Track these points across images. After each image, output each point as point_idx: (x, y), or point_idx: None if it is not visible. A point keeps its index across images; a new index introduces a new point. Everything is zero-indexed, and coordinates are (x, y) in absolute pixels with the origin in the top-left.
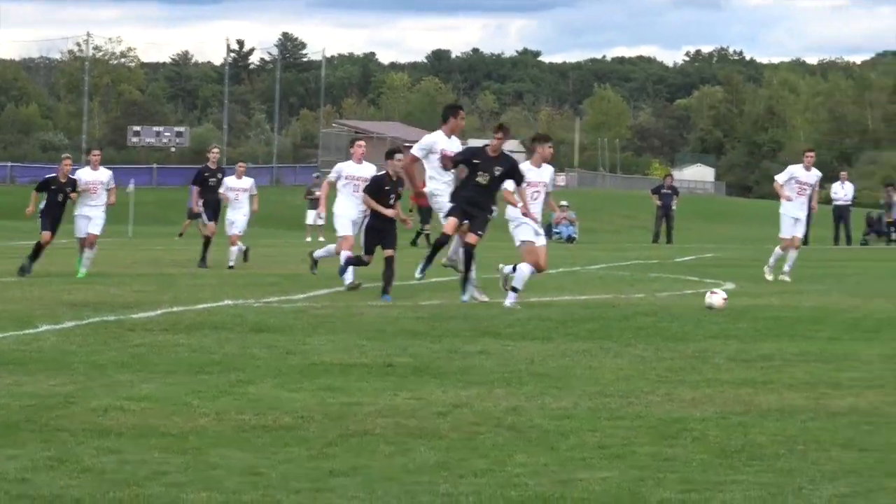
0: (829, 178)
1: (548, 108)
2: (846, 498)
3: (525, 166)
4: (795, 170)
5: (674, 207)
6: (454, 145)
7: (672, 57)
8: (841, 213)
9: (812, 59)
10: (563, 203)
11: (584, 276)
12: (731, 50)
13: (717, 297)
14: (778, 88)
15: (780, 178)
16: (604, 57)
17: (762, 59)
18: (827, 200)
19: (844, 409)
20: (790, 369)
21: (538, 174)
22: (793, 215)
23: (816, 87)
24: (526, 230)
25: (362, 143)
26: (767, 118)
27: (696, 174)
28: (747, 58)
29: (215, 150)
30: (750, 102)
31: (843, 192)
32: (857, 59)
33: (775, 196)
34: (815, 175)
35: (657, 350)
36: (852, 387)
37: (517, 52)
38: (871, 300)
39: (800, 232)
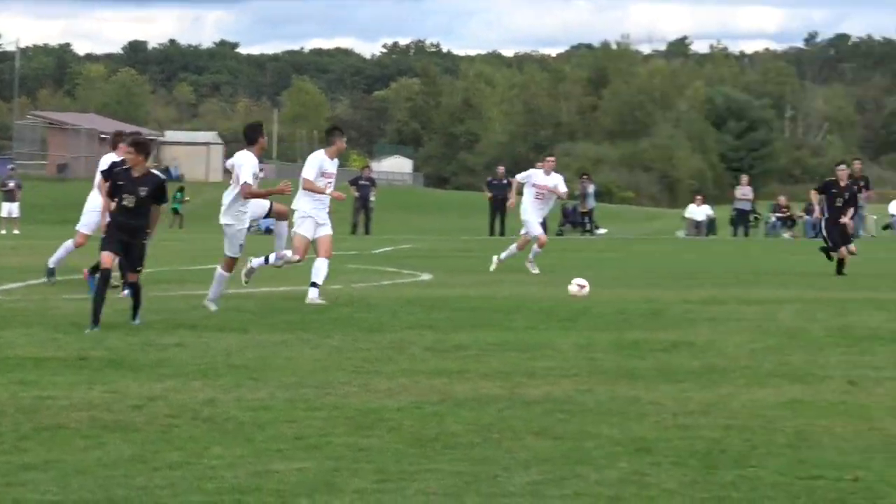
0: (524, 169)
1: (246, 100)
2: (539, 485)
3: (320, 155)
4: (535, 174)
5: (372, 199)
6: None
7: (370, 49)
8: None
9: (508, 52)
10: None
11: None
12: (428, 42)
13: (573, 287)
14: (474, 80)
15: (520, 178)
16: (301, 49)
17: (459, 52)
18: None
19: (539, 397)
20: (486, 359)
21: (333, 165)
22: (538, 217)
23: (512, 79)
24: (308, 225)
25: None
26: (464, 110)
27: (395, 165)
28: (444, 50)
29: None
30: (447, 94)
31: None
32: (553, 51)
33: (474, 188)
34: (554, 178)
35: (354, 341)
36: (547, 375)
37: (214, 43)
38: (564, 290)
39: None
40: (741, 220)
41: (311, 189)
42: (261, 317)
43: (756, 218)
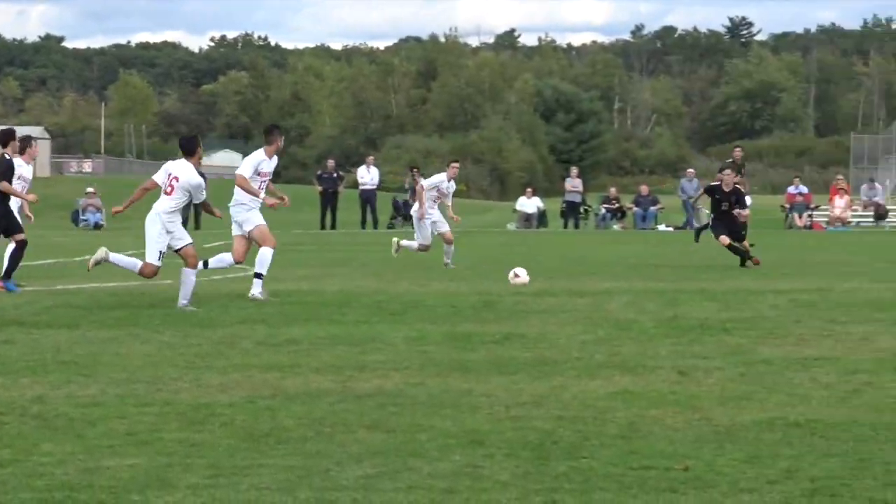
0: (357, 163)
1: (72, 94)
2: (372, 478)
3: (260, 155)
4: (441, 181)
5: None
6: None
7: (197, 42)
8: (367, 198)
9: (337, 45)
10: (90, 189)
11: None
12: (256, 35)
13: (516, 277)
14: (303, 74)
15: (428, 185)
16: (129, 42)
17: (287, 45)
18: (354, 185)
19: (371, 391)
20: (317, 353)
21: (270, 165)
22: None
23: (341, 72)
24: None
25: None
26: (293, 104)
27: (225, 160)
28: (273, 43)
29: None
30: (276, 88)
31: (369, 176)
32: (381, 44)
33: (304, 182)
34: (451, 186)
35: (185, 336)
36: (378, 369)
37: (40, 37)
38: (395, 283)
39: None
40: (572, 212)
41: (245, 188)
42: (90, 312)
43: (586, 210)
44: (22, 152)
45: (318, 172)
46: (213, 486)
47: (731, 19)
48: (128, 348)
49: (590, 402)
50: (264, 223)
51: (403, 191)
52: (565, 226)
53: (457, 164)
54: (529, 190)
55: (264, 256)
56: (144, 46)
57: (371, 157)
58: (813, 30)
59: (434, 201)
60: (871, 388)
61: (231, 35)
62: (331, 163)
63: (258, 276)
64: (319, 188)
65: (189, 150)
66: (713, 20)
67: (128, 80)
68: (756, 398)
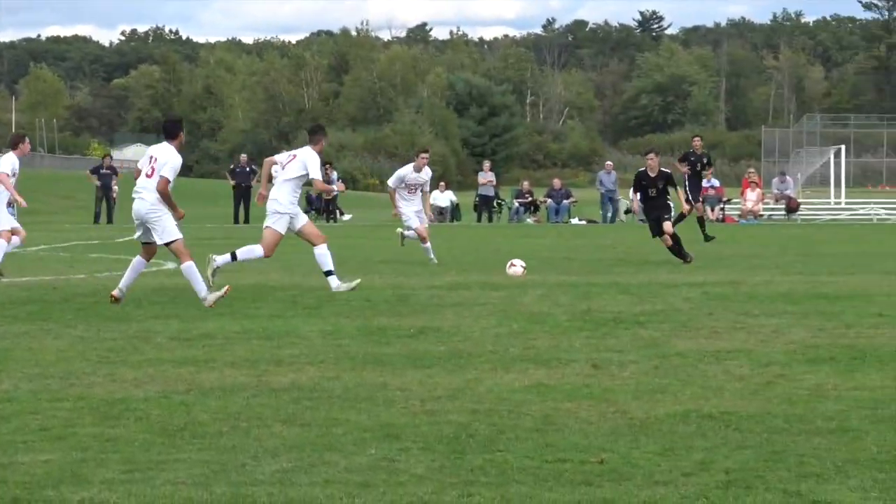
0: (269, 154)
1: None
2: (288, 472)
3: (314, 155)
4: (407, 174)
5: (115, 188)
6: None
7: (108, 36)
8: None
9: (248, 39)
10: None
11: (23, 257)
12: (167, 29)
13: (515, 269)
14: (214, 68)
15: (393, 184)
16: (39, 36)
17: (199, 39)
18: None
19: (286, 385)
20: (232, 347)
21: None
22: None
23: (252, 66)
24: (284, 222)
25: None
26: (205, 98)
27: (137, 154)
28: (184, 37)
29: None
30: (187, 82)
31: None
32: (293, 38)
33: (218, 176)
34: (425, 174)
35: (99, 331)
36: (293, 363)
37: None
38: (309, 277)
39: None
40: (485, 205)
41: (321, 189)
42: (2, 307)
43: (499, 204)
44: (14, 147)
45: (231, 167)
46: (128, 482)
47: (641, 13)
48: (40, 343)
49: (505, 396)
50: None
51: None
52: (479, 219)
53: (426, 155)
54: (443, 184)
55: (323, 254)
56: (55, 40)
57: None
58: (723, 24)
59: (410, 193)
60: (784, 381)
61: (142, 29)
62: (244, 157)
63: (329, 273)
64: (232, 182)
65: (172, 133)
66: (624, 14)
67: (38, 73)
68: (670, 391)
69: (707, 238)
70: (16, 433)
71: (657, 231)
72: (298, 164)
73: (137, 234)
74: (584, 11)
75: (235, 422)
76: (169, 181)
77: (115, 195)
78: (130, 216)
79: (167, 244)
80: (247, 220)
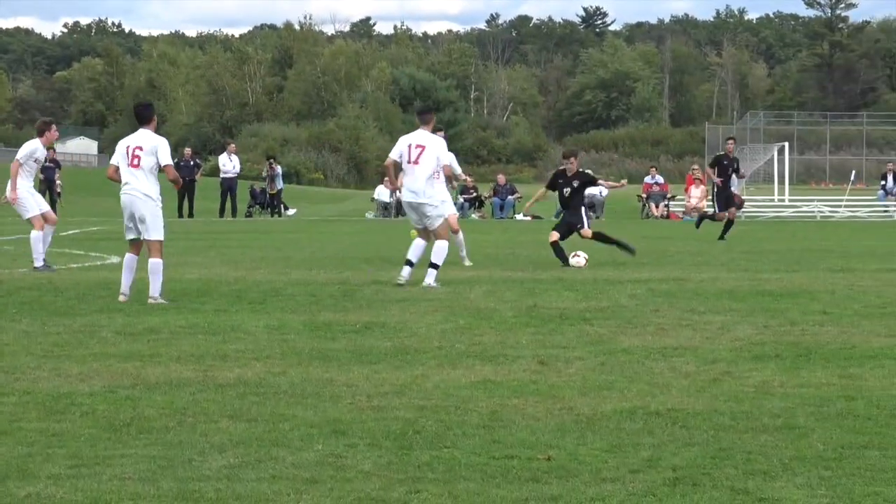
0: (214, 151)
1: None
2: (235, 468)
3: (442, 141)
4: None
5: (58, 181)
6: None
7: (50, 28)
8: (229, 186)
9: (191, 32)
10: None
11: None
12: (109, 22)
13: (578, 259)
14: (157, 61)
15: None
16: None
17: (142, 32)
18: (212, 173)
19: (232, 380)
20: (177, 342)
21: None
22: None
23: (196, 60)
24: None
25: None
26: (149, 91)
27: (80, 147)
28: (126, 30)
29: None
30: (130, 75)
31: (231, 164)
32: (236, 31)
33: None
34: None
35: (43, 325)
36: (239, 358)
37: None
38: (254, 272)
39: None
40: None
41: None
42: None
43: None
44: (40, 135)
45: (175, 160)
46: (74, 477)
47: (585, 9)
48: None
49: (451, 392)
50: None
51: (261, 179)
52: None
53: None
54: (387, 179)
55: (441, 248)
56: None
57: (232, 145)
58: (667, 20)
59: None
60: (730, 378)
61: (84, 21)
62: (188, 150)
63: (434, 266)
64: None
65: (147, 117)
66: (567, 10)
67: None
68: (617, 388)
69: (721, 236)
70: None
71: (564, 234)
72: (431, 154)
73: (129, 234)
74: (528, 7)
75: (182, 417)
76: (172, 165)
77: (58, 188)
78: (74, 210)
79: (151, 240)
80: (191, 214)
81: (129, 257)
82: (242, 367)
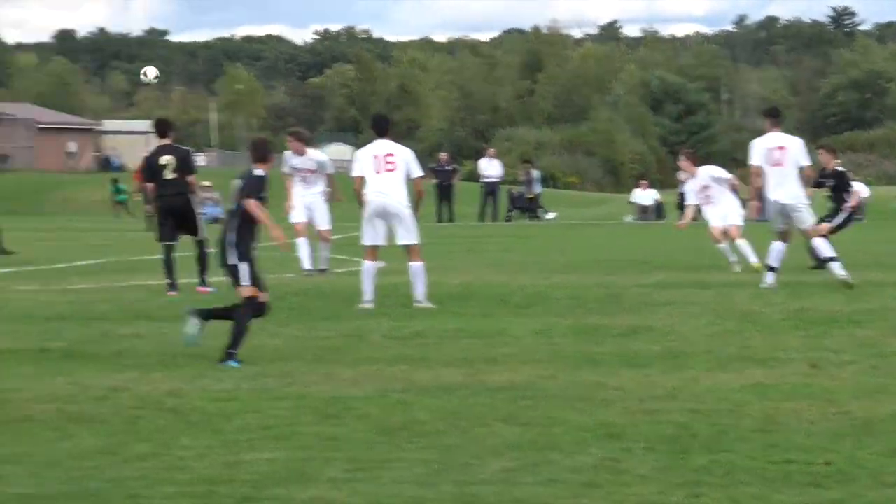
0: (468, 155)
1: (181, 88)
2: (512, 472)
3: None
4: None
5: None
6: None
7: (300, 35)
8: (492, 190)
9: (440, 38)
10: (206, 183)
11: None
12: (359, 28)
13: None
14: (408, 67)
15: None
16: (233, 36)
17: (391, 38)
18: (470, 177)
19: (502, 384)
20: (445, 346)
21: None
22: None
23: (445, 65)
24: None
25: None
26: (400, 97)
27: (337, 153)
28: (376, 36)
29: None
30: (381, 81)
31: (493, 168)
32: (484, 36)
33: None
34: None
35: (312, 329)
36: (508, 362)
37: (144, 31)
38: (517, 276)
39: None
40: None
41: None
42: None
43: None
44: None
45: (432, 165)
46: (353, 480)
47: (833, 9)
48: (257, 341)
49: (724, 395)
50: None
51: (518, 183)
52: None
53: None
54: (644, 182)
55: (776, 249)
56: (248, 40)
57: (492, 150)
58: None
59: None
60: None
61: (334, 28)
62: (444, 155)
63: (771, 269)
64: (434, 181)
65: (385, 128)
66: (814, 10)
67: (234, 73)
68: (891, 391)
69: None
70: (239, 432)
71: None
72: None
73: (371, 238)
74: (775, 8)
75: (454, 420)
76: (422, 177)
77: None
78: (335, 215)
79: (411, 245)
80: (451, 219)
81: (370, 265)
82: (512, 371)
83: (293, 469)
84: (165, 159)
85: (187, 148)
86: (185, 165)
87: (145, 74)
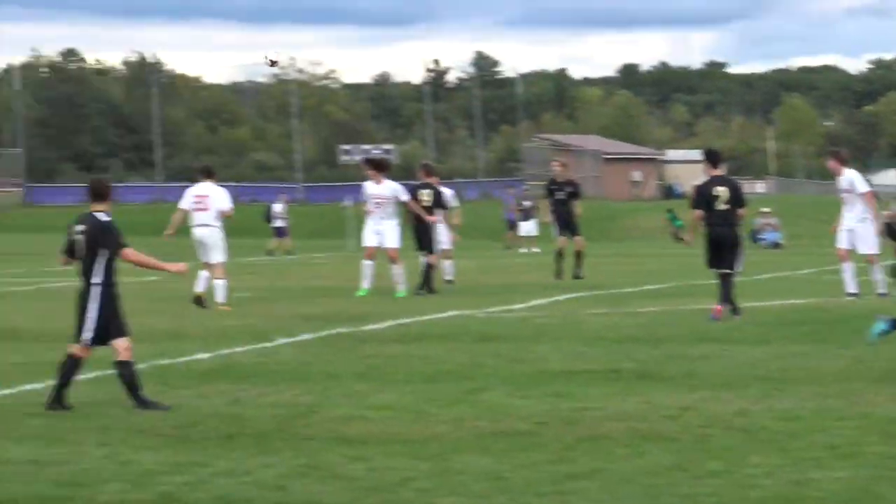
0: None
1: (739, 118)
2: None
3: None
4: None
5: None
6: None
7: (855, 65)
8: None
9: None
10: (765, 210)
11: (793, 280)
12: None
13: None
14: None
15: None
16: (788, 67)
17: None
18: None
19: None
20: None
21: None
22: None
23: None
24: None
25: None
26: None
27: (886, 179)
28: None
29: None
30: None
31: None
32: None
33: None
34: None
35: (875, 351)
36: None
37: (704, 64)
38: None
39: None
40: None
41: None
42: (778, 328)
43: None
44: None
45: None
46: None
47: None
48: (818, 363)
49: None
50: None
51: None
52: None
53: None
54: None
55: None
56: (804, 70)
57: None
58: None
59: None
60: None
61: (887, 57)
62: None
63: None
64: None
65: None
66: None
67: (791, 103)
68: None
69: None
70: (805, 450)
71: None
72: None
73: None
74: None
75: None
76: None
77: None
78: None
79: None
80: None
81: None
82: None
83: (861, 488)
84: (718, 190)
85: (737, 180)
86: (737, 197)
87: (268, 58)
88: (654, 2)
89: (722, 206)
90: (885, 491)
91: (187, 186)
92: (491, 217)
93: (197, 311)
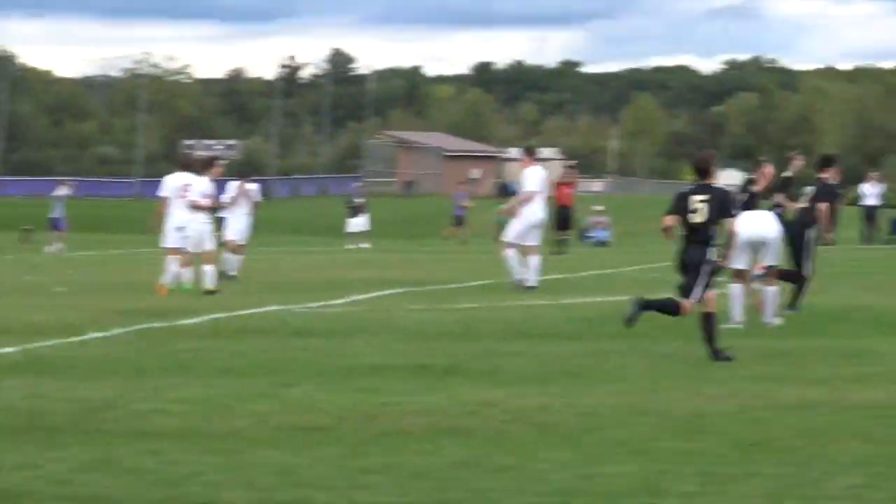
0: (856, 180)
1: (587, 117)
2: (860, 489)
3: None
4: None
5: None
6: None
7: (708, 65)
8: (869, 213)
9: (845, 66)
10: (598, 207)
11: (616, 277)
12: (765, 58)
13: None
14: (811, 95)
15: None
16: (642, 66)
17: (797, 66)
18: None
19: (861, 402)
20: (809, 365)
21: None
22: None
23: (846, 93)
24: None
25: None
26: (799, 124)
27: (726, 178)
28: (781, 65)
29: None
30: (783, 109)
31: (871, 192)
32: (889, 65)
33: None
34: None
35: (683, 349)
36: (870, 381)
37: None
38: (891, 296)
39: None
40: None
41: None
42: (594, 325)
43: None
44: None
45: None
46: (702, 494)
47: None
48: (625, 359)
49: None
50: None
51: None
52: None
53: None
54: None
55: None
56: (658, 70)
57: (876, 174)
58: None
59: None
60: None
61: (741, 57)
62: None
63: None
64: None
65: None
66: None
67: (638, 102)
68: None
69: None
70: (598, 445)
71: None
72: None
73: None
74: None
75: (810, 438)
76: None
77: None
78: None
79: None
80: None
81: (737, 287)
82: (873, 389)
83: (648, 481)
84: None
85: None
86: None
87: None
88: (516, 1)
89: (697, 220)
90: (669, 485)
91: (27, 181)
92: (329, 214)
93: (8, 304)
